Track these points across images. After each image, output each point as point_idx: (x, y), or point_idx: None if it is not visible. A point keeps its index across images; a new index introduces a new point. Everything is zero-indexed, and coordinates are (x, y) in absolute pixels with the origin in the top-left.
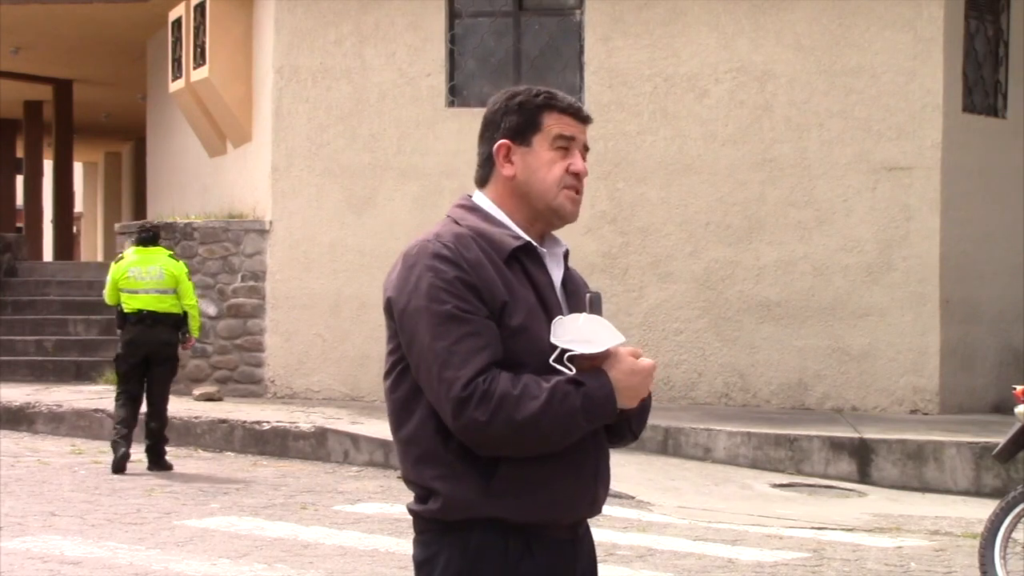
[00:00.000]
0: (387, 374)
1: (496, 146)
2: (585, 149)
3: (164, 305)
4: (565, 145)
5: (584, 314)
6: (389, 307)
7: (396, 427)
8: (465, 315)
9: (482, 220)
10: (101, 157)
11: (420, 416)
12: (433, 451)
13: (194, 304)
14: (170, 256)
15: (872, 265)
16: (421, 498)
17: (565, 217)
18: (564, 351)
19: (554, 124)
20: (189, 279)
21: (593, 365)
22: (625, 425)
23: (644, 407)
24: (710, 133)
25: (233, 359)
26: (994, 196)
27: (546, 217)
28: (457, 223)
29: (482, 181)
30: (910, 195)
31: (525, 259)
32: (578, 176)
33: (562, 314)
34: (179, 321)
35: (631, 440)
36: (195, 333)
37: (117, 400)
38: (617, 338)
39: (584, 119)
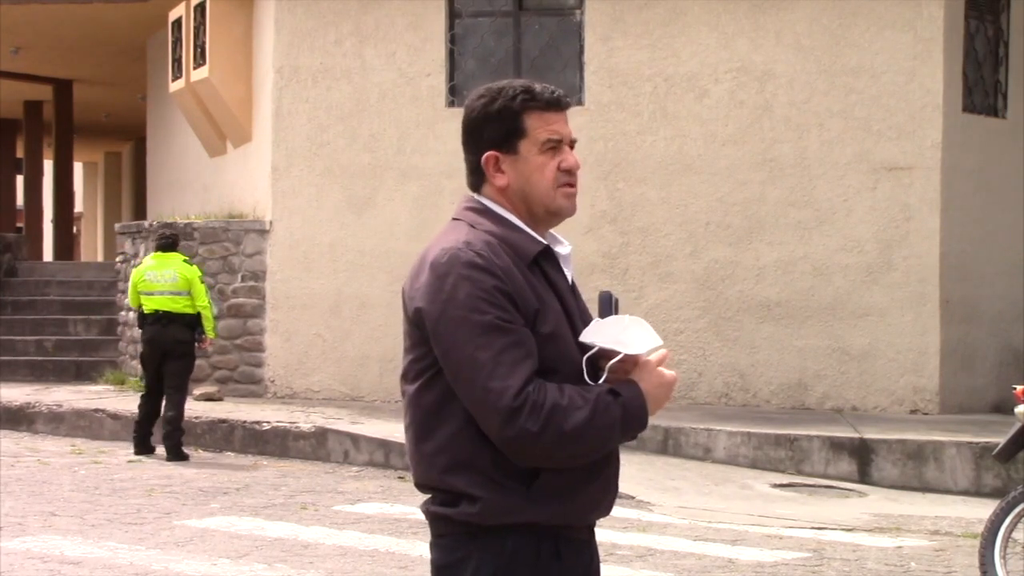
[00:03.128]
0: (411, 381)
1: (484, 159)
2: (572, 143)
3: (178, 306)
4: (554, 146)
5: (628, 316)
6: (419, 317)
7: (422, 435)
8: (507, 325)
9: (498, 224)
10: (101, 157)
11: (455, 424)
12: (468, 459)
13: (206, 305)
14: (185, 261)
15: (872, 265)
16: (449, 502)
17: (564, 216)
18: (596, 354)
19: (539, 126)
20: (202, 282)
21: (625, 371)
22: None
23: None
24: (710, 133)
25: (233, 359)
26: (994, 196)
27: (546, 219)
28: (473, 227)
29: (476, 187)
30: (910, 195)
31: (545, 263)
32: (571, 171)
33: (579, 316)
34: (192, 321)
35: (632, 439)
36: (210, 334)
37: (141, 398)
38: (656, 340)
39: (565, 105)
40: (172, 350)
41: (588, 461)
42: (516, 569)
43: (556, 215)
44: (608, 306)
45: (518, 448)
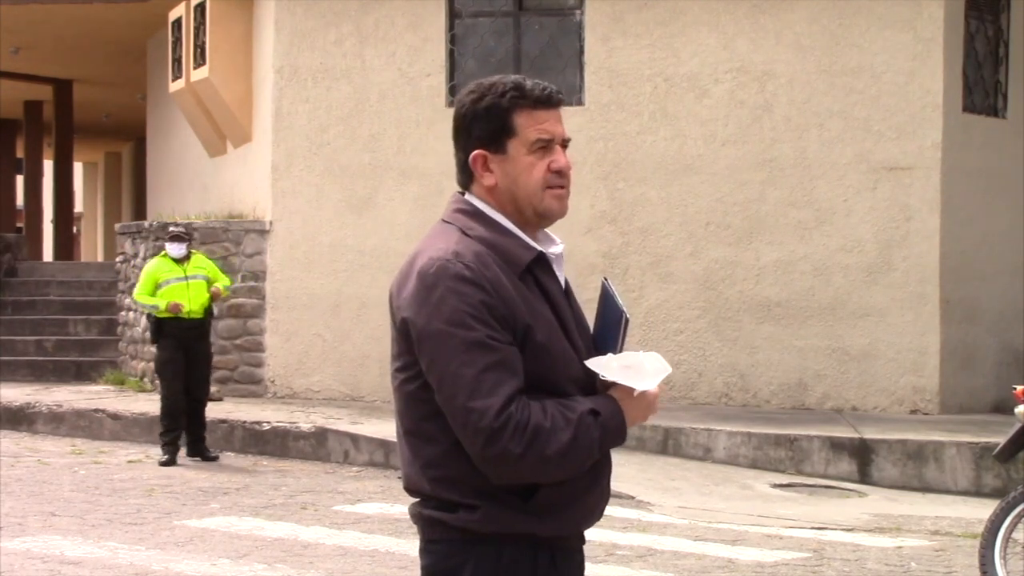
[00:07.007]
0: (398, 388)
1: (472, 157)
2: (564, 142)
3: None
4: (544, 146)
5: (641, 352)
6: (406, 327)
7: (412, 446)
8: (492, 342)
9: (489, 229)
10: (101, 157)
11: (448, 439)
12: (461, 475)
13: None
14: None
15: (872, 265)
16: (445, 507)
17: (553, 218)
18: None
19: (529, 125)
20: (137, 279)
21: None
22: None
23: None
24: (710, 133)
25: (233, 359)
26: (994, 196)
27: (535, 221)
28: (465, 233)
29: (465, 185)
30: (910, 195)
31: (537, 269)
32: (561, 172)
33: (573, 319)
34: (151, 318)
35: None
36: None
37: None
38: (665, 371)
39: (557, 103)
40: None
41: (564, 478)
42: None
43: (545, 217)
44: (607, 296)
45: (498, 468)
